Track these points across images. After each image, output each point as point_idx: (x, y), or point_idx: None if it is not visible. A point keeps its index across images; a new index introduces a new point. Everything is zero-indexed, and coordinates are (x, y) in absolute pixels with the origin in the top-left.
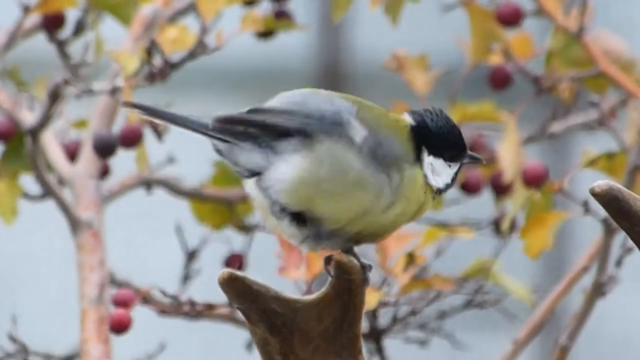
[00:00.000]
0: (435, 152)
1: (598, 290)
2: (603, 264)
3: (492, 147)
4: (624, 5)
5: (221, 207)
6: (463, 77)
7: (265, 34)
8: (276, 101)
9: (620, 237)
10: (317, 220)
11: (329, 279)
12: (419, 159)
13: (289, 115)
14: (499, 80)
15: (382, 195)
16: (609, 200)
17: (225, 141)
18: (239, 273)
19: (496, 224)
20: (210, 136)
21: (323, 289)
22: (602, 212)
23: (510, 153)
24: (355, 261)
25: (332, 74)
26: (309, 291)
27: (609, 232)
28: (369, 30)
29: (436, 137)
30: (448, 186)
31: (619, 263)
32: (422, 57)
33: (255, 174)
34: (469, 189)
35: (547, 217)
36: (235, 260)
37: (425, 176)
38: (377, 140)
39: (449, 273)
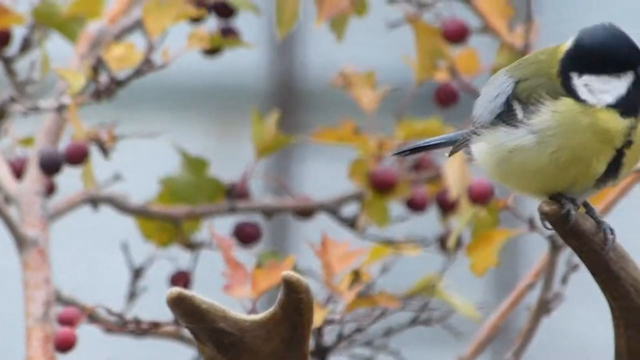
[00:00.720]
0: (591, 70)
1: (543, 307)
2: (549, 281)
3: (438, 164)
4: (572, 22)
5: (167, 225)
6: (410, 93)
7: (213, 51)
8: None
9: (566, 254)
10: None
11: (278, 297)
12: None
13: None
14: (445, 97)
15: (527, 146)
16: (558, 219)
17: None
18: (187, 292)
19: (442, 241)
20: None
21: (271, 308)
22: (548, 230)
23: (456, 170)
24: (303, 279)
25: (285, 90)
26: (254, 309)
27: (554, 249)
28: (322, 47)
29: (591, 54)
30: (624, 99)
31: (564, 280)
32: (369, 74)
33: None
34: (415, 206)
35: (492, 234)
36: (181, 278)
37: (580, 100)
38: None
39: (395, 290)
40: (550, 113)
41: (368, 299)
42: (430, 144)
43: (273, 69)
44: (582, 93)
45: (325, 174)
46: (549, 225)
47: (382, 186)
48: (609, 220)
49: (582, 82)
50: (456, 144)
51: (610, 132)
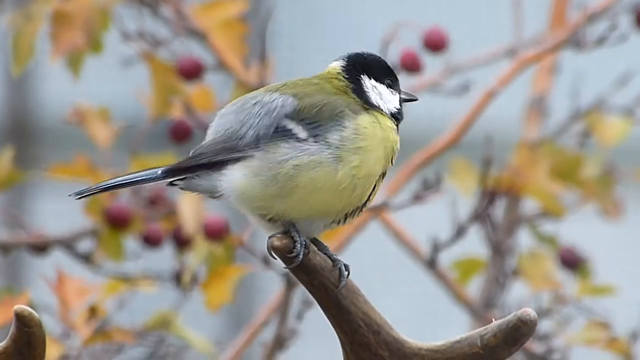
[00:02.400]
0: (375, 77)
1: (279, 343)
2: (284, 318)
3: (173, 200)
4: (305, 60)
5: None
6: (144, 130)
7: None
8: (213, 128)
9: (301, 291)
10: (281, 217)
11: (10, 331)
12: (361, 98)
13: (222, 144)
14: (180, 134)
15: (324, 161)
16: (288, 254)
17: (181, 179)
18: None
19: (178, 277)
20: (165, 181)
21: (3, 342)
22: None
23: (190, 207)
24: (35, 313)
25: (21, 127)
26: None
27: (289, 286)
28: (60, 83)
29: (372, 65)
30: (399, 112)
31: (299, 316)
32: (103, 111)
33: (216, 195)
34: (150, 241)
35: (227, 270)
36: None
37: (372, 105)
38: (306, 119)
39: (132, 325)
40: (353, 128)
41: (104, 334)
42: (124, 182)
43: (9, 105)
44: (373, 97)
45: (63, 209)
46: (276, 256)
47: (117, 222)
48: (341, 253)
49: (371, 85)
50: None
51: (393, 147)
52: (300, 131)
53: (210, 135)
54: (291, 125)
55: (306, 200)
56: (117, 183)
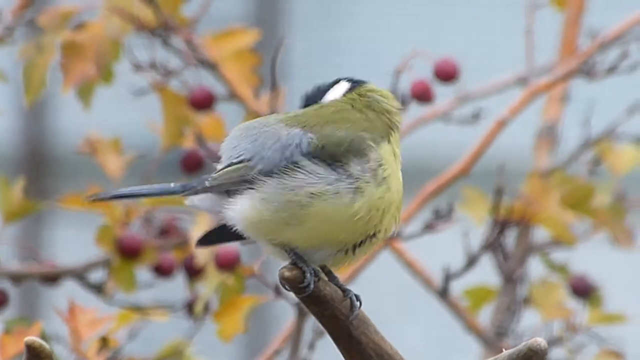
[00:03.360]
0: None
1: None
2: (295, 347)
3: (185, 230)
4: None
5: None
6: (156, 160)
7: None
8: (226, 153)
9: (313, 321)
10: (286, 244)
11: None
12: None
13: (237, 173)
14: (191, 164)
15: (341, 192)
16: (298, 285)
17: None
18: None
19: (190, 307)
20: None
21: None
22: (295, 296)
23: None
24: (45, 345)
25: (35, 157)
26: None
27: (301, 316)
28: (73, 114)
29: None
30: None
31: (311, 346)
32: (115, 141)
33: (221, 218)
34: (162, 271)
35: (239, 301)
36: None
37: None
38: (321, 146)
39: (144, 355)
40: (375, 159)
41: None
42: (139, 193)
43: (24, 136)
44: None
45: (77, 240)
46: (287, 287)
47: (129, 252)
48: (353, 282)
49: None
50: (190, 191)
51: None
52: (317, 166)
53: (225, 161)
54: (306, 162)
55: (315, 229)
56: (134, 193)
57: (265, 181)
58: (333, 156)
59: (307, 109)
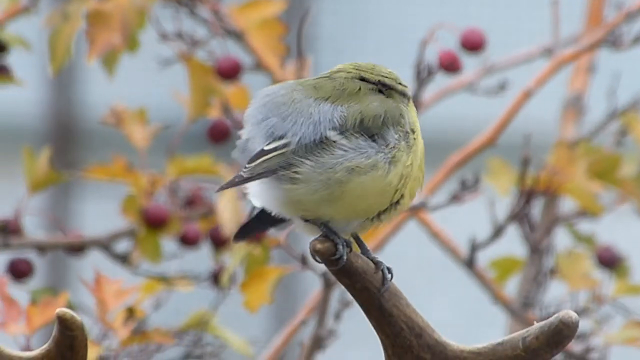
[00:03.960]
0: None
1: (317, 343)
2: (322, 318)
3: (211, 200)
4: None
5: None
6: (182, 131)
7: None
8: (253, 124)
9: (340, 291)
10: (321, 219)
11: (52, 334)
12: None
13: (272, 159)
14: (218, 134)
15: (379, 164)
16: (330, 257)
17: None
18: None
19: (215, 277)
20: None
21: (45, 345)
22: (321, 267)
23: (228, 207)
24: (77, 317)
25: (63, 128)
26: (28, 346)
27: (327, 287)
28: (101, 85)
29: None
30: None
31: (337, 317)
32: (141, 112)
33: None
34: (188, 241)
35: (265, 271)
36: None
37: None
38: (357, 122)
39: (170, 325)
40: (408, 126)
41: (142, 335)
42: None
43: (52, 108)
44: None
45: (106, 212)
46: (319, 260)
47: (154, 222)
48: (382, 257)
49: None
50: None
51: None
52: (354, 140)
53: (257, 138)
54: (340, 137)
55: (352, 203)
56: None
57: (302, 161)
58: (370, 129)
59: (319, 80)
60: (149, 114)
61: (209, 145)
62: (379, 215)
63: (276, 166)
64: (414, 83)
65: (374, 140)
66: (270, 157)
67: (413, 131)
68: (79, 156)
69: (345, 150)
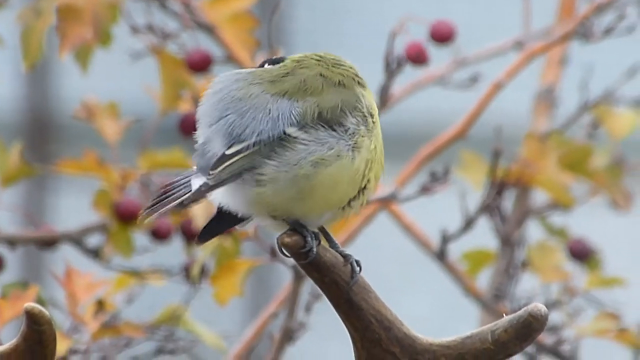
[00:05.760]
0: None
1: (287, 336)
2: (292, 310)
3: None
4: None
5: None
6: (153, 124)
7: None
8: (208, 120)
9: (310, 284)
10: (290, 216)
11: (20, 329)
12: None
13: (236, 163)
14: (189, 127)
15: (343, 153)
16: (299, 251)
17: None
18: None
19: (187, 271)
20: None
21: (14, 340)
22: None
23: None
24: (45, 311)
25: (37, 122)
26: None
27: (298, 279)
28: (76, 81)
29: None
30: None
31: (308, 309)
32: (112, 105)
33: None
34: (159, 235)
35: (236, 264)
36: None
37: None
38: (317, 114)
39: (141, 320)
40: (366, 109)
41: (113, 328)
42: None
43: (26, 103)
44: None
45: (80, 205)
46: (288, 254)
47: (126, 216)
48: (356, 249)
49: None
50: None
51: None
52: (314, 132)
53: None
54: (300, 132)
55: (322, 197)
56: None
57: (265, 162)
58: (329, 120)
59: (278, 73)
60: (122, 108)
61: (181, 139)
62: (349, 203)
63: (240, 169)
64: (384, 75)
65: (333, 130)
66: (233, 162)
67: (372, 115)
68: (53, 150)
69: (306, 145)
